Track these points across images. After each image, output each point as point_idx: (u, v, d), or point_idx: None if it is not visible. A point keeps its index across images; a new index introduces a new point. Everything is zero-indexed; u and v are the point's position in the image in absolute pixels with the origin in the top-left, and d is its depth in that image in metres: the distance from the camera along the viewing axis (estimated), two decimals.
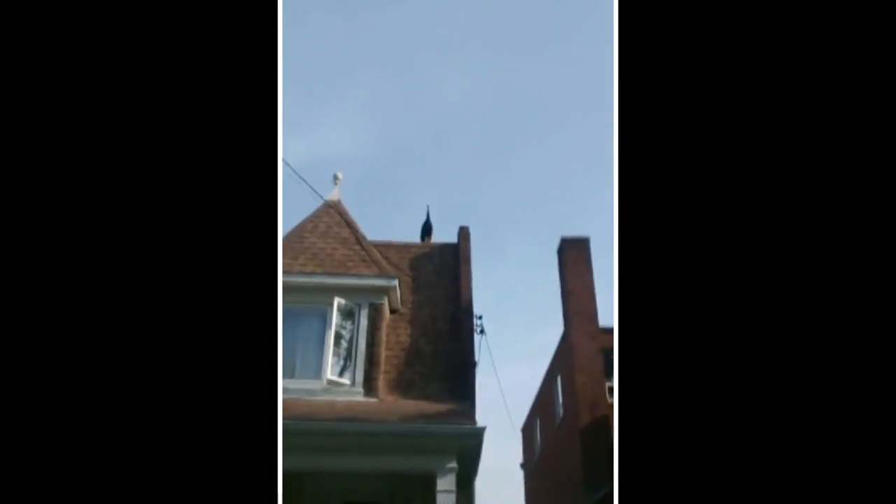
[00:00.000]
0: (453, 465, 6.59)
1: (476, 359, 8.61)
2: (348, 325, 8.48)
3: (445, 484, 6.48)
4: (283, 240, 9.31)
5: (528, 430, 16.54)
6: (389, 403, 7.77)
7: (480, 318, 9.06)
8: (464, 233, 10.20)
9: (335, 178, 10.52)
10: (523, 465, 16.43)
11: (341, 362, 8.20)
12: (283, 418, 6.94)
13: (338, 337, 8.29)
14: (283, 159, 7.00)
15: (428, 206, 11.18)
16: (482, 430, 6.73)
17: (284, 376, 7.98)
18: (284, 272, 8.63)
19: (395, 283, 8.77)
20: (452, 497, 6.43)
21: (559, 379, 13.05)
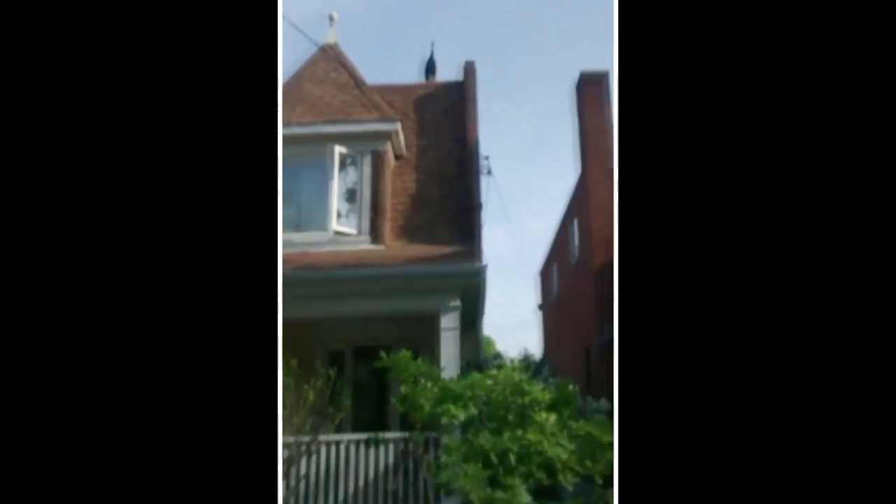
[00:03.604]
0: (456, 303, 6.60)
1: (483, 200, 8.38)
2: (351, 173, 8.26)
3: (448, 322, 6.54)
4: (282, 89, 8.88)
5: (545, 275, 16.74)
6: (395, 249, 7.73)
7: (487, 158, 8.73)
8: (469, 69, 9.53)
9: (330, 18, 9.78)
10: (540, 307, 16.83)
11: (346, 212, 8.08)
12: (290, 270, 7.00)
13: (341, 187, 8.11)
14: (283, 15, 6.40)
15: (432, 43, 10.38)
16: (482, 267, 6.66)
17: (289, 230, 7.96)
18: (283, 124, 8.31)
19: (397, 126, 8.38)
20: (455, 334, 6.51)
21: (576, 221, 12.83)
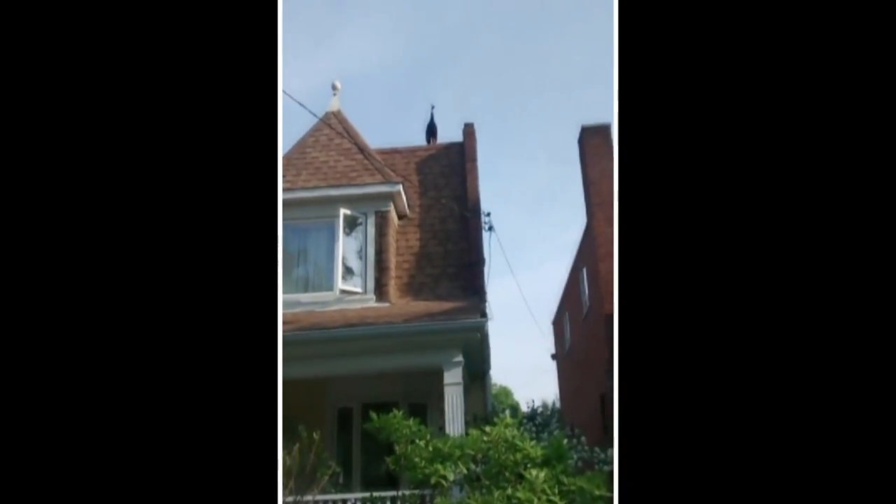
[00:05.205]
0: (459, 358, 6.74)
1: (486, 256, 8.59)
2: (356, 234, 8.55)
3: (452, 377, 6.67)
4: (285, 157, 9.30)
5: (558, 324, 16.80)
6: (400, 306, 7.93)
7: (489, 214, 8.95)
8: (468, 130, 9.91)
9: (333, 87, 10.27)
10: (554, 356, 16.83)
11: (352, 272, 8.34)
12: (296, 329, 7.22)
13: (347, 247, 8.39)
14: (282, 88, 6.81)
15: (432, 107, 10.82)
16: (482, 322, 6.80)
17: (298, 290, 8.23)
18: (288, 189, 8.68)
19: (399, 188, 8.70)
20: (459, 389, 6.62)
21: (584, 270, 12.97)
